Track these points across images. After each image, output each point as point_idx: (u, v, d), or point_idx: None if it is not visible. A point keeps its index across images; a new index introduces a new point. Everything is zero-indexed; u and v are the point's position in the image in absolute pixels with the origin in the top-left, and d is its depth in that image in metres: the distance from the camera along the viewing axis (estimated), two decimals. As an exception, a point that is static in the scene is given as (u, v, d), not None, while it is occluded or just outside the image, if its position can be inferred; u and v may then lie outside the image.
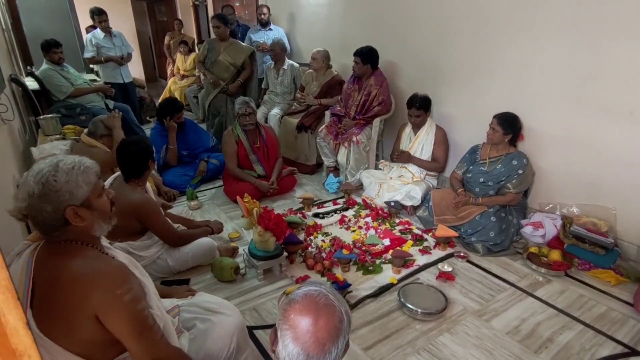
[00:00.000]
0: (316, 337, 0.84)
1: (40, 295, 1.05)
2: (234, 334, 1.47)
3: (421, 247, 2.64)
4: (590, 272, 2.37)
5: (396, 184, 3.18)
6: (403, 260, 2.43)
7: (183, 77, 6.35)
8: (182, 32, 7.21)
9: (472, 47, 3.00)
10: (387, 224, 2.94)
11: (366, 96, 3.45)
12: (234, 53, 4.25)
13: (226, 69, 4.25)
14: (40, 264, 1.08)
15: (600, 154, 2.45)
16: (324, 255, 2.50)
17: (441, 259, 2.52)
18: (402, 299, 2.10)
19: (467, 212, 2.72)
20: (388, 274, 2.38)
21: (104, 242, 1.26)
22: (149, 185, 2.36)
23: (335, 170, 3.75)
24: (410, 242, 2.70)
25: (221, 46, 4.25)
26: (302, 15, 4.85)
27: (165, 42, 7.06)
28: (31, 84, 4.18)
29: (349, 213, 3.12)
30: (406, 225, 2.93)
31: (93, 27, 5.10)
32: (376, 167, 3.53)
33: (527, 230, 2.63)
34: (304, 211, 3.14)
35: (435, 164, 3.20)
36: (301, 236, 2.73)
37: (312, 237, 2.77)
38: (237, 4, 6.76)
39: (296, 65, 4.50)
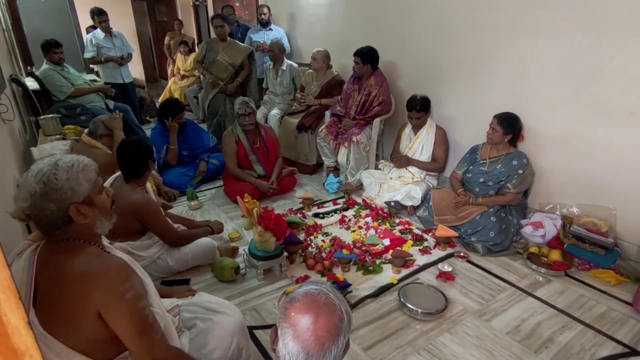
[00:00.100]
0: (316, 335, 0.84)
1: (43, 293, 1.06)
2: (234, 334, 1.47)
3: (421, 247, 2.65)
4: (590, 272, 2.37)
5: (396, 184, 3.18)
6: (403, 260, 2.43)
7: (183, 77, 6.35)
8: (182, 32, 7.21)
9: (472, 47, 3.00)
10: (387, 224, 2.94)
11: (366, 96, 3.46)
12: (232, 53, 4.26)
13: (225, 69, 4.26)
14: (42, 263, 1.09)
15: (600, 154, 2.45)
16: (324, 255, 2.51)
17: (441, 259, 2.52)
18: (402, 299, 2.10)
19: (467, 212, 2.72)
20: (388, 274, 2.38)
21: (105, 242, 1.27)
22: (149, 186, 2.36)
23: (336, 170, 3.75)
24: (410, 242, 2.70)
25: (220, 46, 4.26)
26: (302, 16, 4.85)
27: (165, 42, 7.06)
28: (31, 84, 4.18)
29: (349, 213, 3.12)
30: (406, 225, 2.93)
31: (93, 27, 5.10)
32: (376, 167, 3.53)
33: (527, 230, 2.63)
34: (304, 211, 3.14)
35: (435, 164, 3.20)
36: (301, 236, 2.74)
37: (312, 237, 2.77)
38: (237, 4, 6.76)
39: (295, 65, 4.50)
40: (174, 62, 6.68)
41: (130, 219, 2.12)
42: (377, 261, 2.49)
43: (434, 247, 2.66)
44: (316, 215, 3.09)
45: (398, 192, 3.11)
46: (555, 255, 2.41)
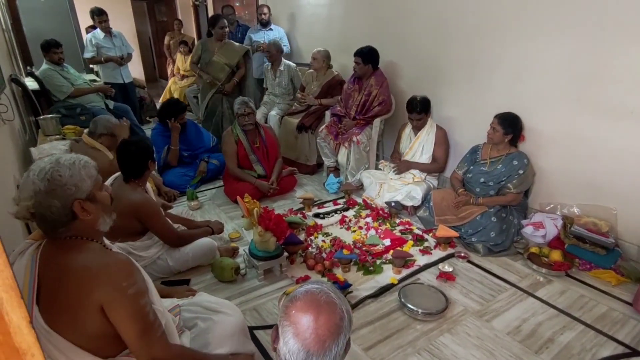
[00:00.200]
0: (317, 333, 0.84)
1: (46, 290, 1.07)
2: (235, 334, 1.47)
3: (422, 248, 2.64)
4: (591, 272, 2.37)
5: (397, 184, 3.18)
6: (403, 261, 2.43)
7: (183, 77, 6.35)
8: (182, 32, 7.21)
9: (472, 47, 3.00)
10: (387, 224, 2.94)
11: (366, 96, 3.45)
12: (228, 53, 4.27)
13: (222, 69, 4.27)
14: (45, 261, 1.10)
15: (601, 154, 2.45)
16: (324, 255, 2.50)
17: (442, 259, 2.52)
18: (402, 299, 2.10)
19: (467, 212, 2.72)
20: (388, 274, 2.38)
21: (105, 242, 1.27)
22: (149, 186, 2.36)
23: (336, 170, 3.75)
24: (410, 242, 2.70)
25: (215, 46, 4.27)
26: (303, 15, 4.85)
27: (165, 42, 7.07)
28: (31, 84, 4.18)
29: (350, 213, 3.12)
30: (407, 226, 2.93)
31: (93, 27, 5.10)
32: (376, 167, 3.53)
33: (528, 230, 2.63)
34: (304, 211, 3.14)
35: (435, 165, 3.20)
36: (301, 236, 2.73)
37: (312, 238, 2.77)
38: (237, 4, 6.77)
39: (292, 65, 4.50)
40: (173, 62, 6.68)
41: (131, 219, 2.12)
42: (378, 261, 2.49)
43: (435, 247, 2.66)
44: (316, 215, 3.09)
45: (398, 192, 3.11)
46: (556, 255, 2.41)
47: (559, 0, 2.45)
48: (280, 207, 3.25)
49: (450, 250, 2.62)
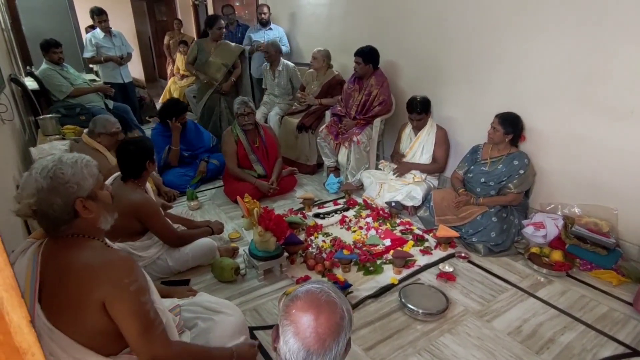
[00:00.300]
0: (317, 332, 0.84)
1: (49, 288, 1.07)
2: (235, 333, 1.47)
3: (422, 248, 2.64)
4: (592, 272, 2.36)
5: (397, 184, 3.17)
6: (404, 261, 2.42)
7: (183, 77, 6.34)
8: (182, 32, 7.21)
9: (473, 47, 3.00)
10: (387, 224, 2.94)
11: (367, 96, 3.45)
12: (224, 53, 4.29)
13: (218, 69, 4.29)
14: (47, 259, 1.10)
15: (602, 154, 2.44)
16: (324, 255, 2.50)
17: (442, 260, 2.52)
18: (403, 300, 2.09)
19: (468, 212, 2.72)
20: (389, 275, 2.38)
21: (106, 240, 1.27)
22: (149, 186, 2.36)
23: (336, 170, 3.75)
24: (411, 242, 2.69)
25: (211, 47, 4.29)
26: (303, 15, 4.85)
27: (165, 42, 7.07)
28: (31, 84, 4.17)
29: (350, 213, 3.12)
30: (407, 226, 2.92)
31: (93, 27, 5.09)
32: (377, 167, 3.53)
33: (529, 230, 2.63)
34: (304, 211, 3.14)
35: (435, 165, 3.20)
36: (302, 236, 2.73)
37: (312, 238, 2.76)
38: (237, 4, 6.76)
39: (291, 65, 4.49)
40: (173, 61, 6.68)
41: (130, 219, 2.11)
42: (378, 261, 2.49)
43: (435, 247, 2.66)
44: (317, 215, 3.09)
45: (399, 192, 3.11)
46: (557, 255, 2.41)
47: (558, 0, 2.45)
48: (280, 207, 3.25)
49: (450, 251, 2.62)
